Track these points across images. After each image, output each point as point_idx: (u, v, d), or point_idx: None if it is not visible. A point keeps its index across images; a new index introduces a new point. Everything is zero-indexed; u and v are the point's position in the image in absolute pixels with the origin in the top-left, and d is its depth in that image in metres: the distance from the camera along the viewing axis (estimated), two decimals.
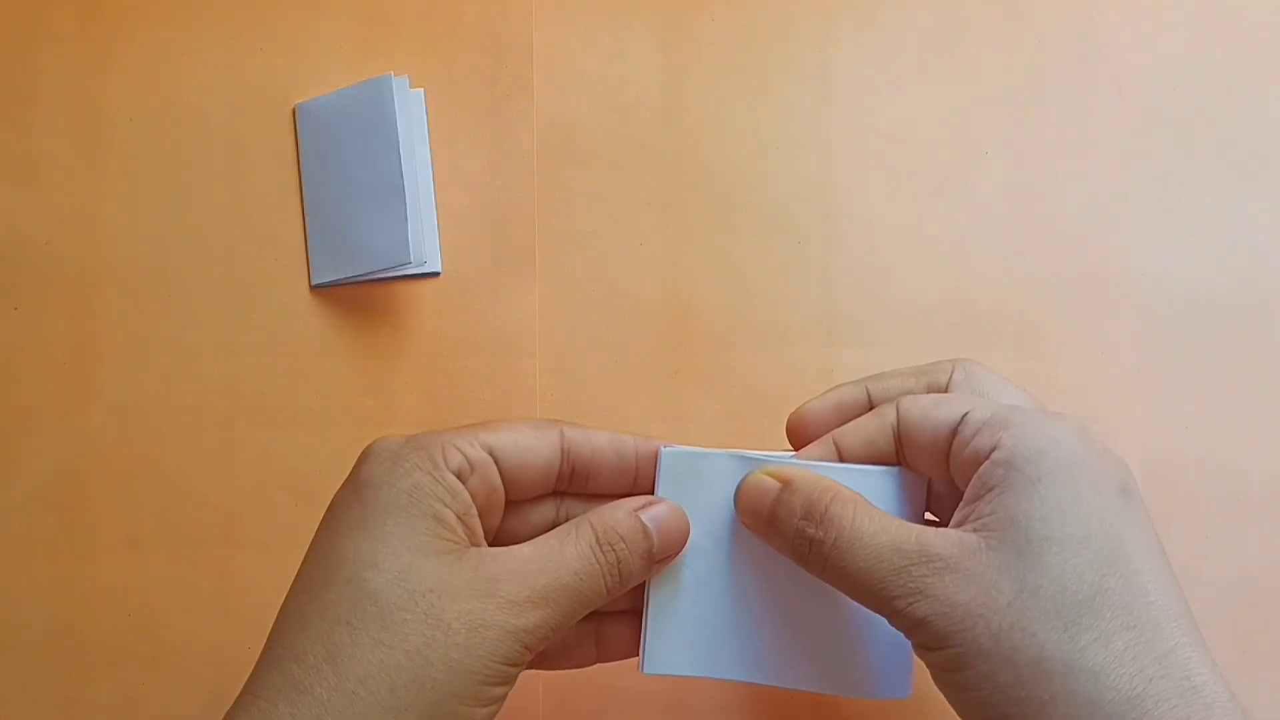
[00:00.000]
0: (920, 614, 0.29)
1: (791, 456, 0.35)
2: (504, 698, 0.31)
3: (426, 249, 0.47)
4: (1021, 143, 0.48)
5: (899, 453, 0.34)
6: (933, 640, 0.29)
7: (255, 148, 0.48)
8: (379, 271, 0.46)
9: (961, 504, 0.31)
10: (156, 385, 0.47)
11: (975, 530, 0.30)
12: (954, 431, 0.32)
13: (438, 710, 0.29)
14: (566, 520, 0.34)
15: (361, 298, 0.48)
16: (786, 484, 0.33)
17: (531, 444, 0.33)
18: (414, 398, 0.47)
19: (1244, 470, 0.46)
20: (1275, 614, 0.46)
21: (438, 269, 0.47)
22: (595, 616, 0.35)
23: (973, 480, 0.31)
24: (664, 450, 0.35)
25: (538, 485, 0.34)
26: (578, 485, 0.35)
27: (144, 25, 0.49)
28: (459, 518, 0.31)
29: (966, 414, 0.32)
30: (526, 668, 0.32)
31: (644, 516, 0.33)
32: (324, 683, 0.29)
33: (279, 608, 0.32)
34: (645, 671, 0.34)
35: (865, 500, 0.32)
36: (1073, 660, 0.28)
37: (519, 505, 0.35)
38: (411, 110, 0.47)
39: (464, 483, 0.32)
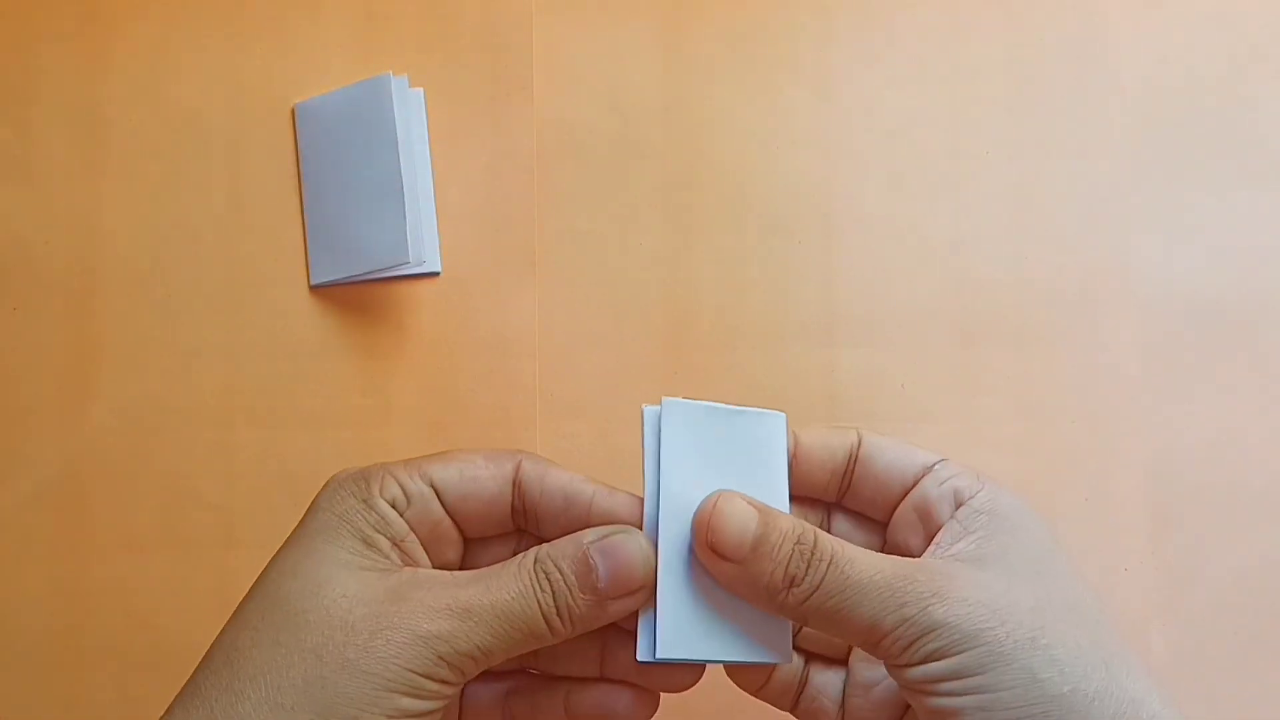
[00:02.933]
0: (938, 617, 0.28)
1: (760, 410, 0.33)
2: (422, 715, 0.28)
3: (426, 249, 0.47)
4: (1021, 143, 0.48)
5: (848, 472, 0.34)
6: (950, 644, 0.28)
7: (254, 147, 0.48)
8: (378, 271, 0.46)
9: (934, 546, 0.31)
10: (156, 385, 0.47)
11: (961, 560, 0.30)
12: (927, 470, 0.33)
13: (330, 713, 0.27)
14: None
15: (361, 298, 0.48)
16: (764, 512, 0.31)
17: (478, 476, 0.32)
18: (413, 398, 0.47)
19: (1244, 470, 0.46)
20: (1275, 614, 0.46)
21: (437, 269, 0.47)
22: (603, 633, 0.33)
23: (947, 526, 0.31)
24: (667, 401, 0.32)
25: (490, 521, 0.33)
26: (532, 525, 0.33)
27: (143, 25, 0.49)
28: (394, 544, 0.31)
29: (943, 460, 0.33)
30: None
31: (592, 549, 0.30)
32: (217, 684, 0.28)
33: None
34: (641, 658, 0.32)
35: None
36: (1109, 659, 0.29)
37: (485, 542, 0.34)
38: (411, 110, 0.47)
39: (401, 513, 0.31)
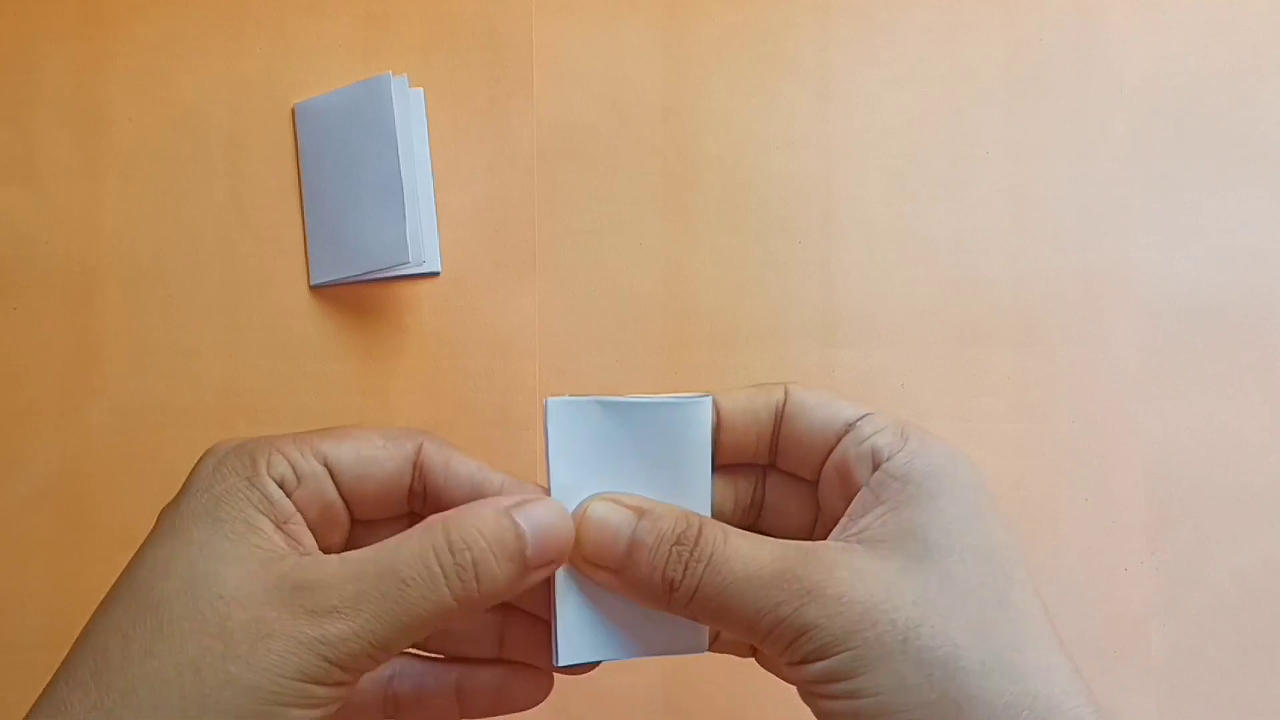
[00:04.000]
0: (810, 617, 0.27)
1: (677, 398, 0.32)
2: (323, 716, 0.26)
3: (425, 249, 0.47)
4: (1021, 143, 0.48)
5: (775, 433, 0.32)
6: (824, 646, 0.27)
7: (254, 147, 0.48)
8: (378, 271, 0.46)
9: (845, 518, 0.29)
10: (156, 385, 0.47)
11: (862, 541, 0.28)
12: (849, 427, 0.30)
13: None
14: None
15: (361, 297, 0.48)
16: (643, 513, 0.29)
17: (376, 457, 0.30)
18: (413, 397, 0.47)
19: (1244, 470, 0.46)
20: (1275, 614, 0.46)
21: (437, 269, 0.47)
22: (502, 612, 0.31)
23: (860, 494, 0.29)
24: (550, 401, 0.30)
25: (384, 504, 0.30)
26: (431, 508, 0.30)
27: (144, 25, 0.49)
28: (277, 526, 0.28)
29: (867, 415, 0.30)
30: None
31: (517, 514, 0.28)
32: (85, 700, 0.26)
33: None
34: (560, 663, 0.30)
35: (732, 527, 0.29)
36: (989, 662, 0.26)
37: (372, 524, 0.31)
38: (411, 110, 0.47)
39: (289, 492, 0.28)
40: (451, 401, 0.47)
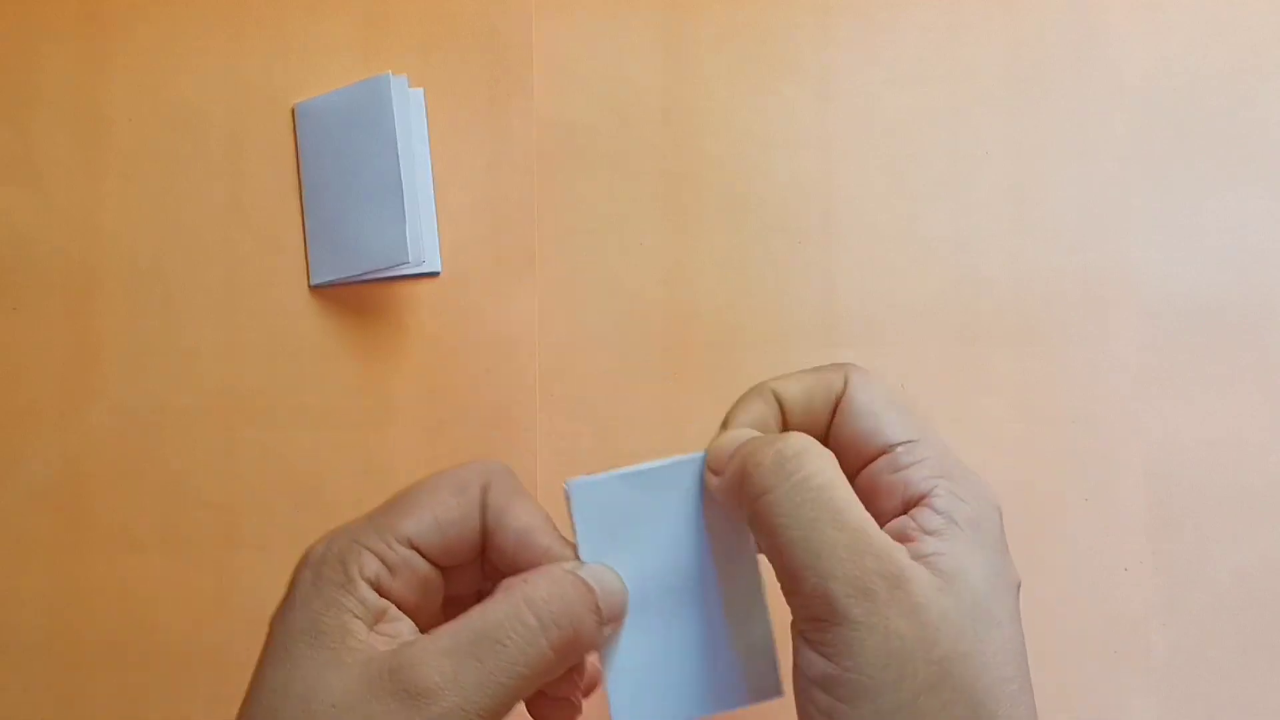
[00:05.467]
0: (856, 615, 0.27)
1: (677, 459, 0.33)
2: None
3: (425, 249, 0.47)
4: (1021, 143, 0.48)
5: (830, 421, 0.32)
6: (847, 656, 0.27)
7: (254, 147, 0.48)
8: (378, 271, 0.46)
9: (916, 543, 0.29)
10: (156, 385, 0.47)
11: (928, 567, 0.28)
12: (888, 449, 0.31)
13: None
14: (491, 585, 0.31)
15: (361, 297, 0.48)
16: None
17: (452, 520, 0.31)
18: (414, 398, 0.47)
19: (1244, 470, 0.46)
20: (1275, 614, 0.46)
21: (437, 269, 0.47)
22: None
23: (906, 518, 0.29)
24: (572, 484, 0.32)
25: (465, 553, 0.32)
26: (490, 546, 0.32)
27: (144, 24, 0.49)
28: (371, 626, 0.29)
29: (910, 443, 0.30)
30: None
31: (581, 574, 0.30)
32: None
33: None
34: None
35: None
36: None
37: (454, 570, 0.32)
38: (410, 109, 0.47)
39: (386, 588, 0.30)
40: (451, 401, 0.47)
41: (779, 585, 0.29)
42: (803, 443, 0.29)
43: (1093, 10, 0.49)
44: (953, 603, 0.27)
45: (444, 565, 0.31)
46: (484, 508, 0.31)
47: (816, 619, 0.27)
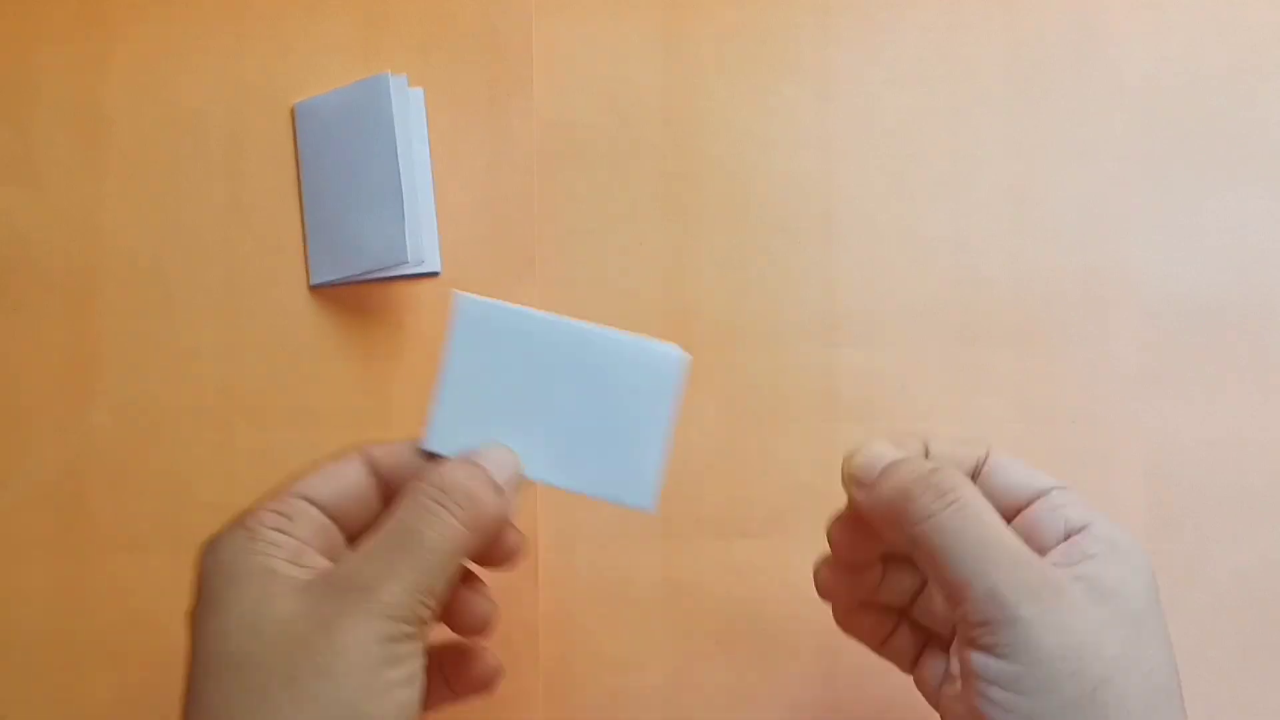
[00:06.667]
0: (1025, 615, 0.29)
1: (586, 325, 0.34)
2: (410, 673, 0.30)
3: (425, 248, 0.47)
4: (1021, 143, 0.48)
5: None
6: (1019, 652, 0.29)
7: (254, 147, 0.48)
8: (377, 271, 0.46)
9: (1065, 567, 0.32)
10: (156, 385, 0.47)
11: (1088, 583, 0.30)
12: (1040, 494, 0.33)
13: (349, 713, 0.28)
14: None
15: (360, 297, 0.48)
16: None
17: (337, 471, 0.33)
18: (413, 398, 0.47)
19: (1244, 470, 0.46)
20: (1275, 614, 0.46)
21: (437, 269, 0.47)
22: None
23: (1068, 545, 0.32)
24: (459, 295, 0.34)
25: (367, 512, 0.34)
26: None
27: (143, 25, 0.49)
28: (291, 562, 0.31)
29: (1059, 488, 0.34)
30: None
31: (470, 455, 0.33)
32: None
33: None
34: (426, 447, 0.34)
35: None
36: None
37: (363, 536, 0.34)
38: (410, 109, 0.47)
39: (290, 535, 0.32)
40: None
41: (945, 599, 0.32)
42: (958, 476, 0.32)
43: (1093, 10, 0.49)
44: (1113, 613, 0.30)
45: (344, 522, 0.33)
46: (373, 465, 0.34)
47: (987, 622, 0.29)
